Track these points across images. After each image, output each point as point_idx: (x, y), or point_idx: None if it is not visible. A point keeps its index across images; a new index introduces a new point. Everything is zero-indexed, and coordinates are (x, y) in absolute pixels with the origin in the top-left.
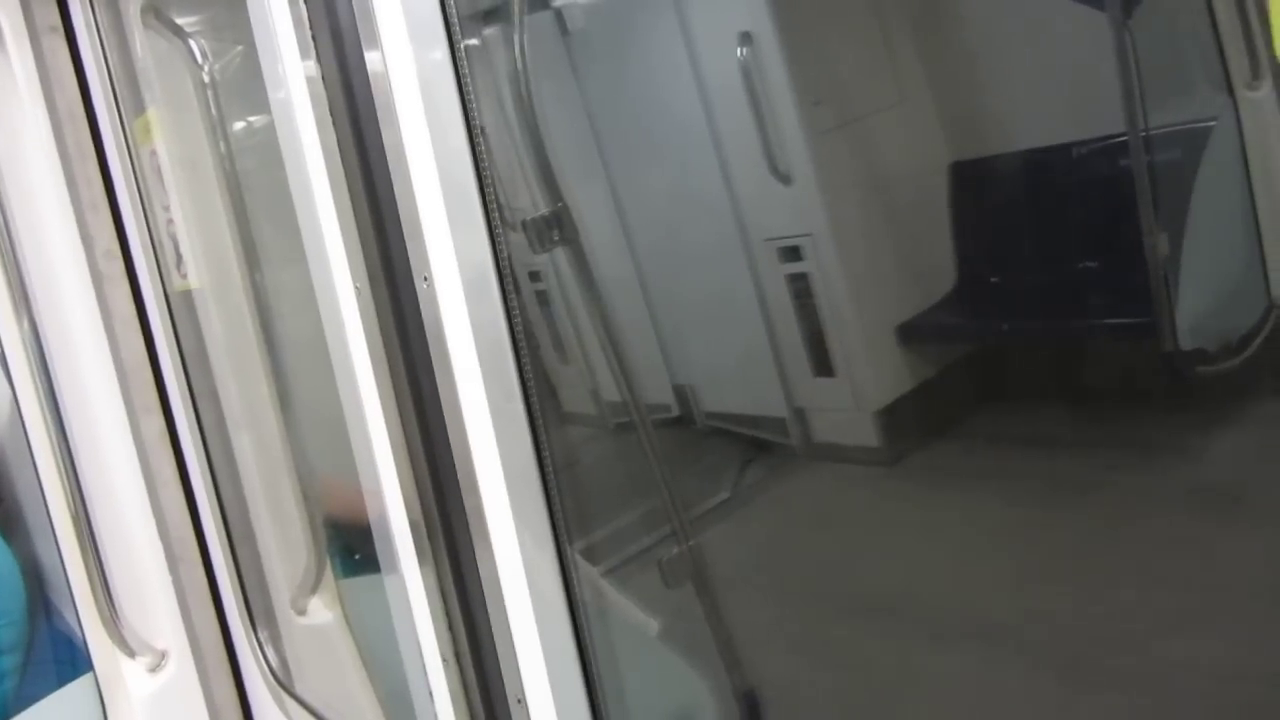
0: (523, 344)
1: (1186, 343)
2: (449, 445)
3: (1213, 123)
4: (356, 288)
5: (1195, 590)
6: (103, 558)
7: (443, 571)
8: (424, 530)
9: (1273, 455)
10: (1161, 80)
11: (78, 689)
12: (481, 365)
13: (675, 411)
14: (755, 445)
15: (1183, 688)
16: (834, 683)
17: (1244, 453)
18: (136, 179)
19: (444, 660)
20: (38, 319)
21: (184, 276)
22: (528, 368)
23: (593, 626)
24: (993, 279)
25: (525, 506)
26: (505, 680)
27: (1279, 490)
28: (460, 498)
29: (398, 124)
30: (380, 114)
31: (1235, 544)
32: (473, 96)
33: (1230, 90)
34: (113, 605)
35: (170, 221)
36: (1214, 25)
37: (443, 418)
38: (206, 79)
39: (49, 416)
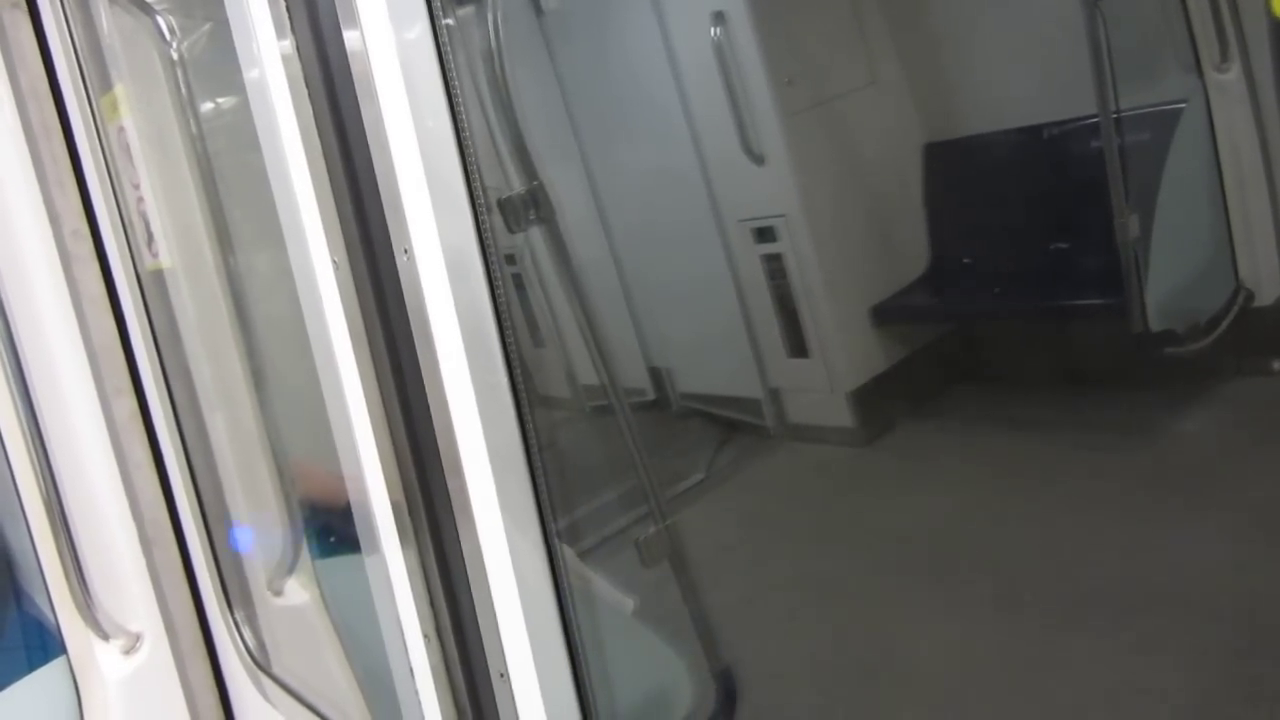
0: (508, 324)
1: (1156, 324)
2: (431, 423)
3: (1182, 105)
4: (334, 262)
5: (1160, 566)
6: (75, 541)
7: (424, 549)
8: (405, 509)
9: (1238, 435)
10: (1133, 62)
11: (50, 673)
12: (465, 344)
13: (650, 395)
14: (730, 426)
15: (1147, 665)
16: (807, 659)
17: (1210, 433)
18: (105, 157)
19: (425, 636)
20: (5, 301)
21: (155, 256)
22: (513, 347)
23: (576, 603)
24: (965, 260)
25: (509, 485)
26: (488, 655)
27: (1243, 469)
28: (443, 476)
29: (377, 102)
30: (359, 92)
31: (1200, 522)
32: (455, 75)
33: (1200, 72)
34: (85, 588)
35: (140, 200)
36: (1184, 8)
37: (424, 395)
38: (175, 56)
39: (18, 399)
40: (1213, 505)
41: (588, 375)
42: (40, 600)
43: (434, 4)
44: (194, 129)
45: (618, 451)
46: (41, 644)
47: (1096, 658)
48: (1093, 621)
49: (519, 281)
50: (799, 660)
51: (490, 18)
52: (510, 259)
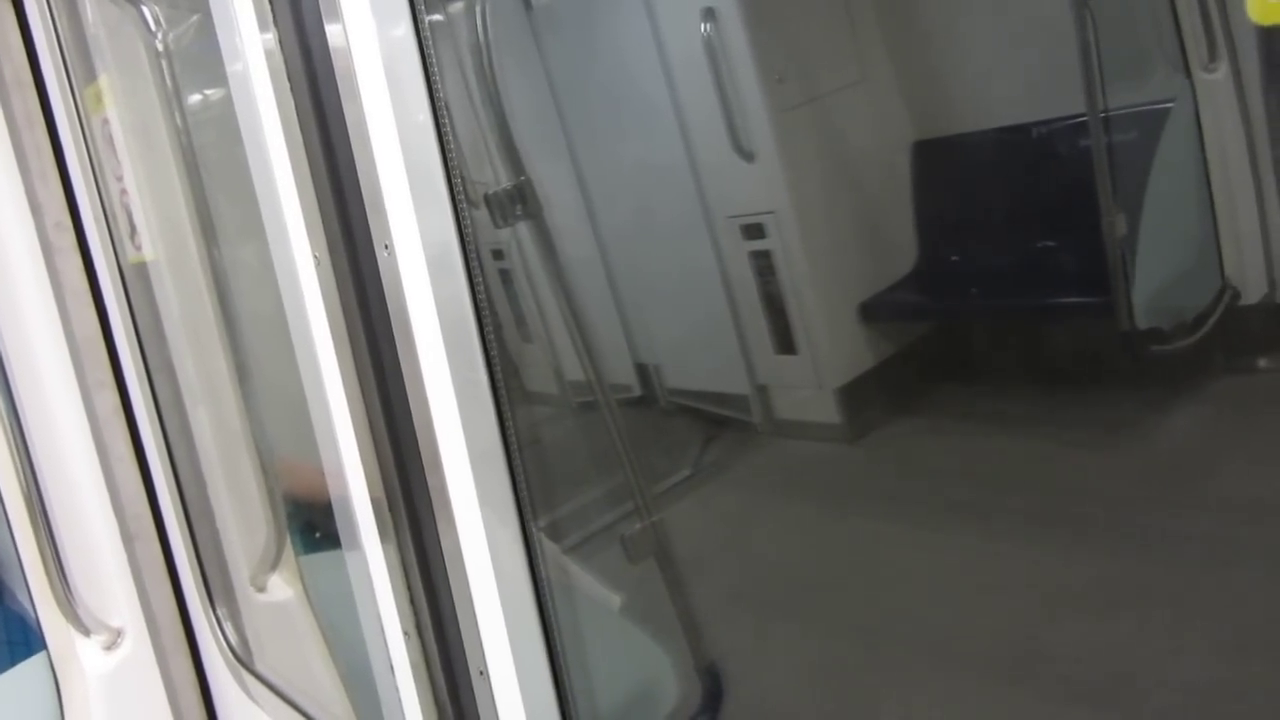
0: (487, 320)
1: (1142, 322)
2: (411, 419)
3: (1170, 104)
4: (315, 257)
5: (1149, 569)
6: (56, 535)
7: (404, 546)
8: (385, 506)
9: (1225, 432)
10: (1121, 62)
11: (30, 668)
12: (445, 340)
13: (637, 391)
14: (717, 423)
15: (1132, 669)
16: (792, 658)
17: (1197, 430)
18: (88, 148)
19: (405, 633)
20: None
21: (138, 248)
22: (492, 343)
23: (556, 601)
24: (953, 258)
25: (489, 482)
26: (467, 652)
27: (1230, 469)
28: (423, 473)
29: (359, 98)
30: (341, 87)
31: (1188, 522)
32: (437, 72)
33: (1188, 71)
34: (66, 583)
35: (124, 192)
36: (1173, 8)
37: (405, 392)
38: (160, 47)
39: None
40: (1200, 502)
41: (575, 371)
42: (21, 595)
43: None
44: (178, 121)
45: (604, 447)
46: (23, 639)
47: (1081, 651)
48: (1076, 618)
49: (506, 277)
50: (783, 657)
51: (478, 11)
52: (498, 254)
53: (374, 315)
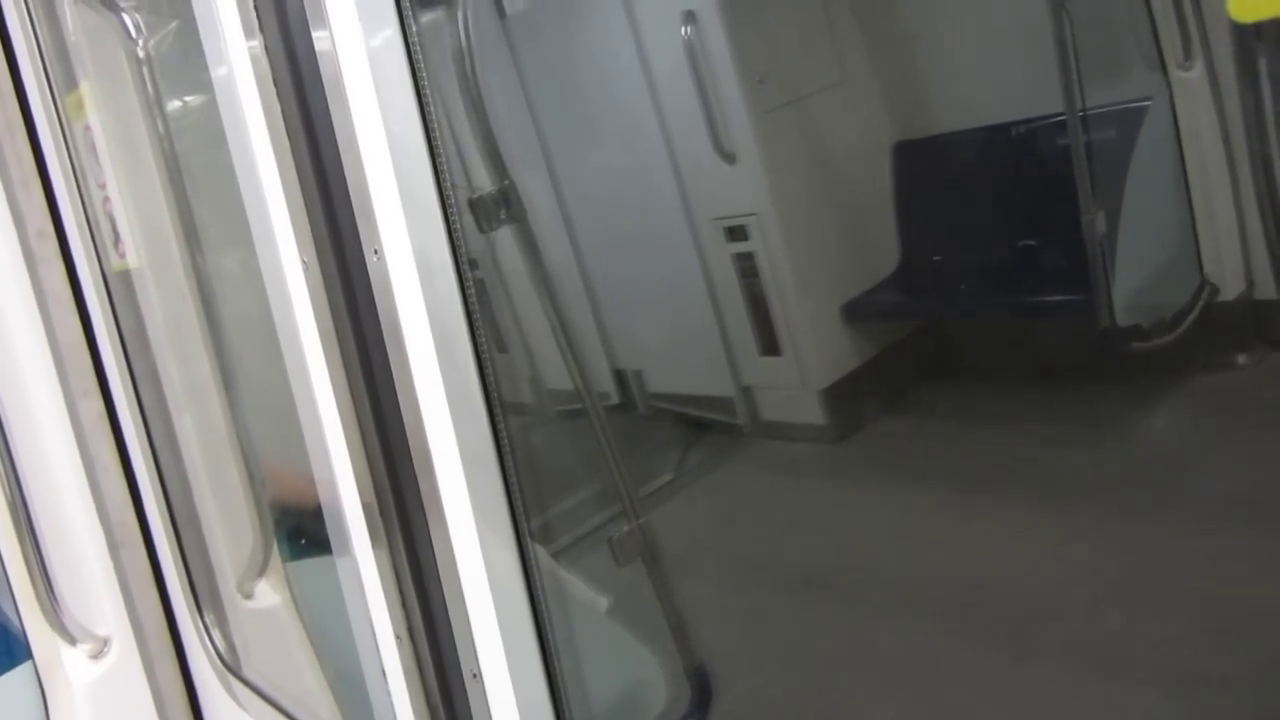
0: (479, 324)
1: (1123, 319)
2: (402, 423)
3: (1147, 103)
4: (304, 262)
5: (1128, 559)
6: (41, 544)
7: (396, 550)
8: (377, 510)
9: (1204, 428)
10: (1099, 61)
11: (16, 678)
12: (436, 343)
13: (615, 399)
14: (699, 426)
15: (1114, 658)
16: (778, 656)
17: (1177, 426)
18: (70, 156)
19: (397, 638)
20: None
21: (122, 256)
22: (484, 347)
23: (549, 603)
24: (935, 258)
25: (481, 485)
26: (460, 655)
27: (1208, 462)
28: (414, 477)
29: (347, 103)
30: (329, 93)
31: (1166, 514)
32: (425, 78)
33: (1164, 70)
34: (52, 592)
35: (107, 199)
36: (1148, 7)
37: (395, 396)
38: (141, 54)
39: None
40: (1180, 498)
41: (553, 379)
42: (5, 605)
43: (403, 4)
44: (161, 128)
45: (587, 454)
46: (7, 649)
47: (1068, 649)
48: (1061, 617)
49: (480, 286)
50: (770, 654)
51: (460, 17)
52: (473, 263)
53: (364, 320)
